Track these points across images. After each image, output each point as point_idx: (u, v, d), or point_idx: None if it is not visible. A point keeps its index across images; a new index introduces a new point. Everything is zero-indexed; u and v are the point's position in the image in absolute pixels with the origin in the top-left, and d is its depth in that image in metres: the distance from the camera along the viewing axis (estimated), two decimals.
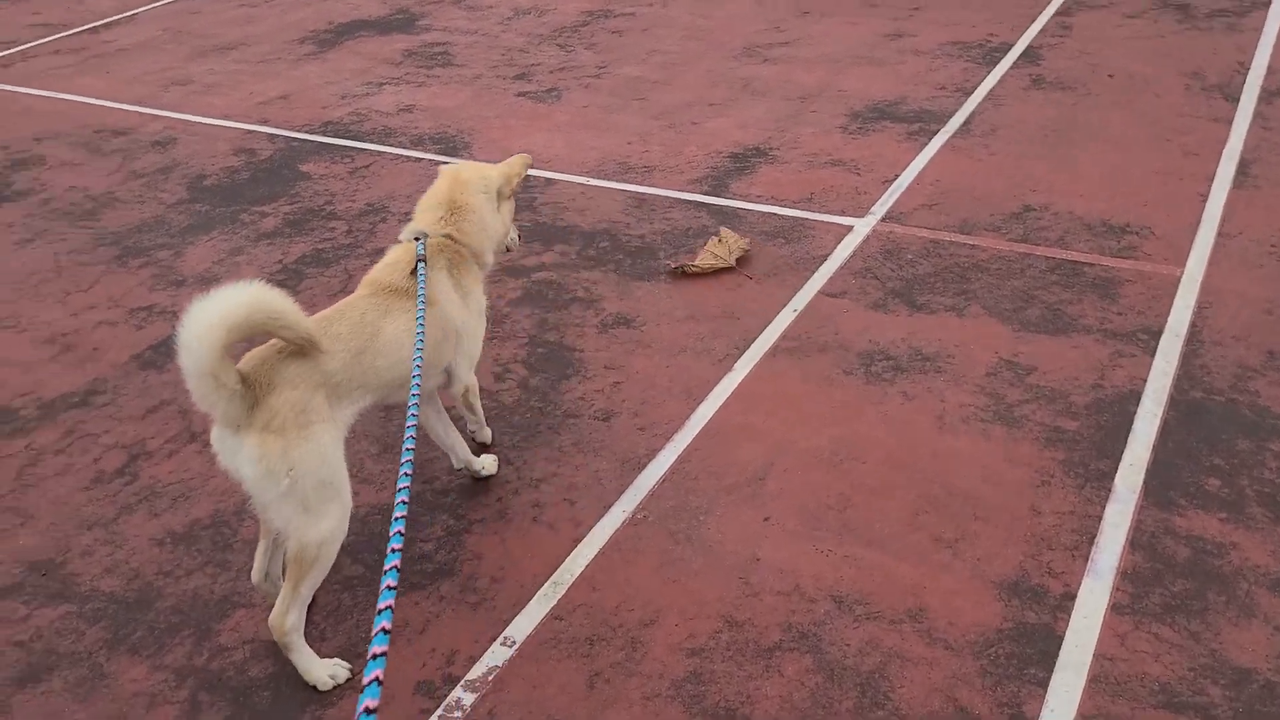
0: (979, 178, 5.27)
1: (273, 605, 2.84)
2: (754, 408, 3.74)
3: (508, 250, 3.55)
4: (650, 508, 3.34)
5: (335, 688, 2.83)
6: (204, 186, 5.88)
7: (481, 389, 3.70)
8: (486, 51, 7.76)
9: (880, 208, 5.05)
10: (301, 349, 2.73)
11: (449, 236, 3.22)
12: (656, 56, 7.42)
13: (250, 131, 6.58)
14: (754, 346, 4.08)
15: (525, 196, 5.41)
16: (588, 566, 3.14)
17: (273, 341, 2.76)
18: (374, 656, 1.69)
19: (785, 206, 5.15)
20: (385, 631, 1.75)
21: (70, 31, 8.88)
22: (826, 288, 4.42)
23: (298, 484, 2.64)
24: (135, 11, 9.37)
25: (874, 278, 4.48)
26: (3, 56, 8.33)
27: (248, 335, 2.63)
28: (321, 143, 6.36)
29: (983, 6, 7.78)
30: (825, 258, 4.65)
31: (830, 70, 6.86)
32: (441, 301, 3.11)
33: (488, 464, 3.59)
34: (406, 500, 2.15)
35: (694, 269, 4.66)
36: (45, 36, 8.77)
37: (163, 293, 4.81)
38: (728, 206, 5.22)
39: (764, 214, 5.10)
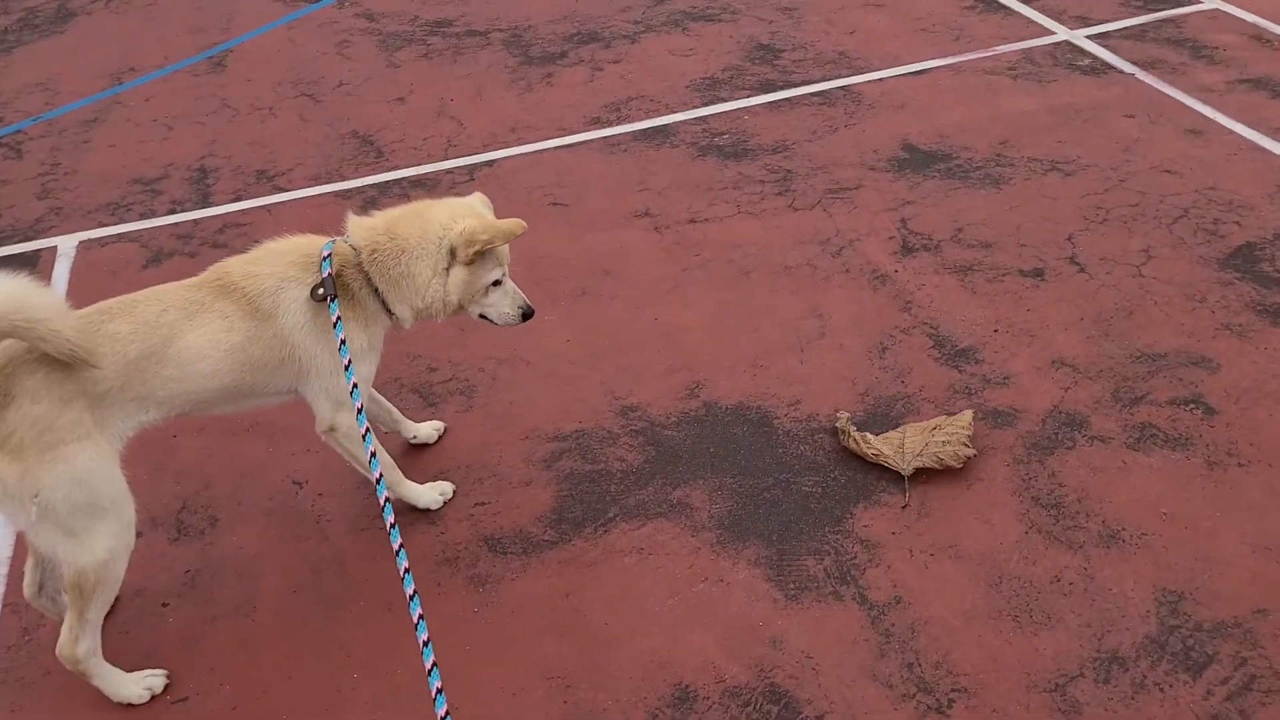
0: None
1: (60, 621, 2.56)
2: None
3: (481, 317, 3.02)
4: None
5: (154, 697, 2.69)
6: None
7: None
8: None
9: None
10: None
11: (358, 253, 2.81)
12: None
13: None
14: None
15: None
16: None
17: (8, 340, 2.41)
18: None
19: None
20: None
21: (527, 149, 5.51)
22: None
23: (50, 511, 2.36)
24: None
25: None
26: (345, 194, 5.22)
27: None
28: None
29: None
30: None
31: None
32: (280, 319, 2.69)
33: (423, 431, 3.37)
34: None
35: (854, 446, 3.43)
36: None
37: None
38: None
39: None
